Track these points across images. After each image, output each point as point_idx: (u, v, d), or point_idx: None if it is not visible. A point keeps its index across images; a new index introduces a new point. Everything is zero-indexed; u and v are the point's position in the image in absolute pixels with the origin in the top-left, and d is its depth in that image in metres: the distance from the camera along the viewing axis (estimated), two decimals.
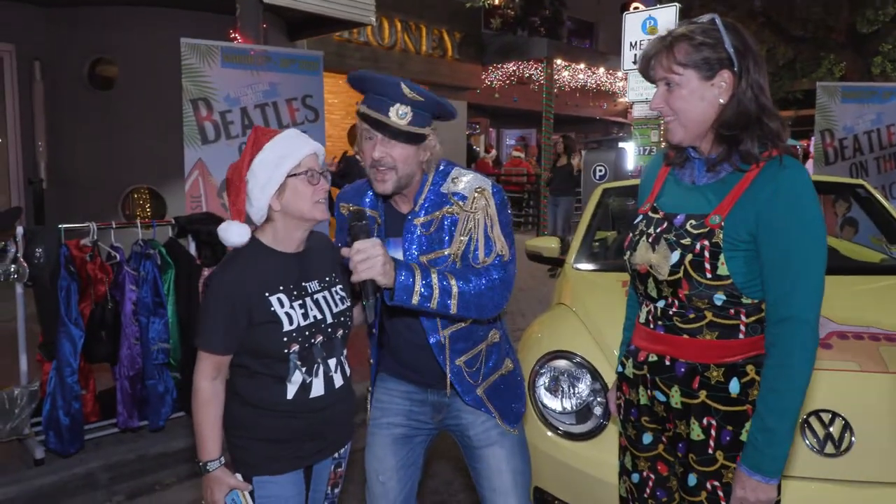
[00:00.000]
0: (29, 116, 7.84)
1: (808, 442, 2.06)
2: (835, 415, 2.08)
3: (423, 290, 1.65)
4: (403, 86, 1.72)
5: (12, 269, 3.13)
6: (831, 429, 2.06)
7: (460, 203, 1.82)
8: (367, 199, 1.95)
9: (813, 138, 6.77)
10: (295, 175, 1.72)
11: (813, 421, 2.08)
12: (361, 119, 1.77)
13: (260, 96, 4.56)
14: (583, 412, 2.43)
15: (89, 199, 7.69)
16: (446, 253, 1.82)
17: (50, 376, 3.22)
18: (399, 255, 1.84)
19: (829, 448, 2.04)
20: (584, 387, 2.46)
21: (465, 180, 1.85)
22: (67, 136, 7.95)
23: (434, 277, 1.68)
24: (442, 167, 1.89)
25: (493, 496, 1.99)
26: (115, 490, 3.33)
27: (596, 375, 2.44)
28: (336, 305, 1.84)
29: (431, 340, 1.86)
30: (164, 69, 6.97)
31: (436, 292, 1.67)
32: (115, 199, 7.85)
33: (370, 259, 1.57)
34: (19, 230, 3.15)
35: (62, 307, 3.17)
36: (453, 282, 1.70)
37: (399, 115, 1.72)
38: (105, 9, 7.68)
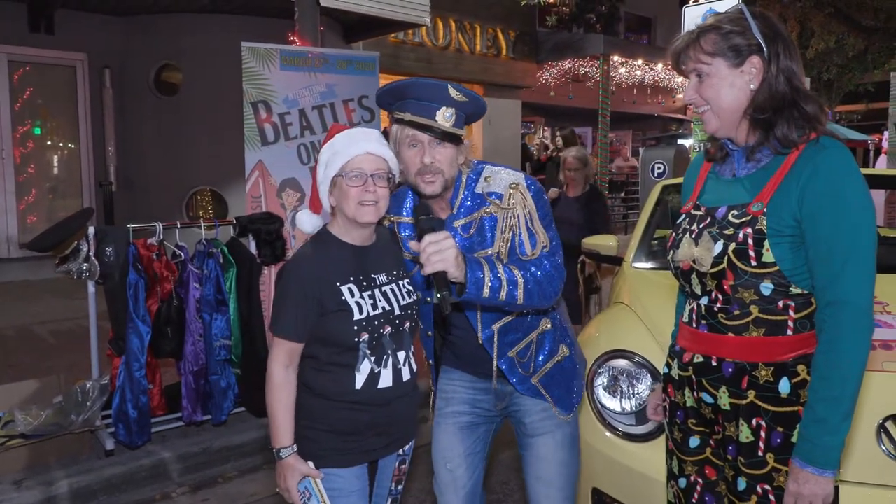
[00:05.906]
0: (99, 122, 8.18)
1: (884, 448, 1.96)
2: None
3: (492, 281, 1.67)
4: (451, 88, 1.76)
5: (84, 268, 3.25)
6: None
7: (497, 202, 1.83)
8: (406, 208, 1.94)
9: (886, 132, 6.47)
10: (340, 175, 1.74)
11: (890, 426, 1.98)
12: (407, 126, 1.78)
13: (318, 97, 4.62)
14: (642, 413, 2.37)
15: (155, 200, 7.97)
16: (489, 253, 1.83)
17: (119, 371, 3.34)
18: None
19: None
20: (643, 387, 2.41)
21: (498, 178, 1.85)
22: (135, 141, 8.26)
23: (500, 268, 1.70)
24: (473, 166, 1.90)
25: (536, 484, 2.00)
26: (180, 482, 3.44)
27: (656, 375, 2.38)
28: (403, 298, 1.85)
29: (483, 338, 1.87)
30: (225, 74, 7.17)
31: (504, 283, 1.69)
32: (179, 201, 8.12)
33: (443, 251, 1.57)
34: (91, 230, 3.28)
35: (130, 304, 3.29)
36: (517, 273, 1.73)
37: (445, 117, 1.75)
38: (172, 17, 7.96)
